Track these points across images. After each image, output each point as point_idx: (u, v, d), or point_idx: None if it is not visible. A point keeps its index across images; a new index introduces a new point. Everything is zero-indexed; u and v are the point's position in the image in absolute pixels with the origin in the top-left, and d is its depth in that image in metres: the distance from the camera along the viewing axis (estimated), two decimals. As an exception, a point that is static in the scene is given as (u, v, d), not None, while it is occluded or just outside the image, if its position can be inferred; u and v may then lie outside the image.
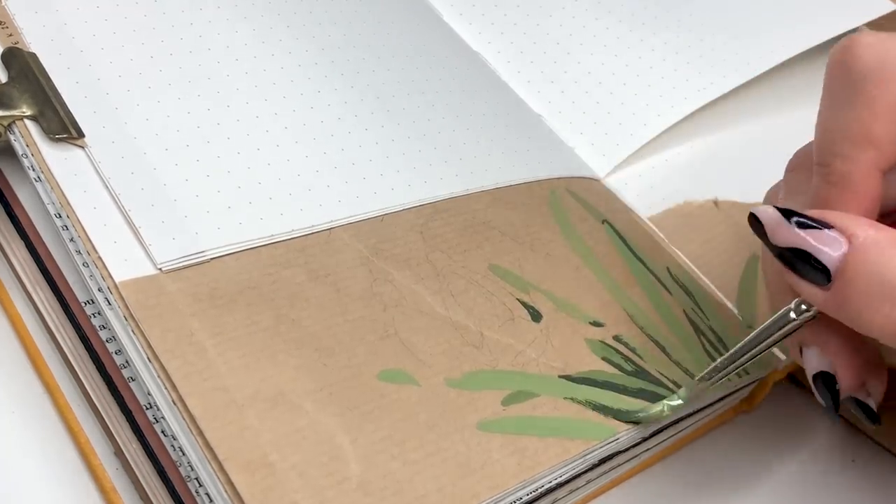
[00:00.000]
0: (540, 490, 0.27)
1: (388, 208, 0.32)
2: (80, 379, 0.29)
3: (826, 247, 0.24)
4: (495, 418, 0.28)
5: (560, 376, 0.29)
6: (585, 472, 0.29)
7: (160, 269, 0.27)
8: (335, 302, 0.28)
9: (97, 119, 0.30)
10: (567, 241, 0.34)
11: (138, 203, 0.28)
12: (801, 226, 0.25)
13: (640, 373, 0.31)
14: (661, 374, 0.31)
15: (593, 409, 0.29)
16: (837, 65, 0.27)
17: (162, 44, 0.33)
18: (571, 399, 0.29)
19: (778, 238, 0.25)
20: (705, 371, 0.29)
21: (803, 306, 0.26)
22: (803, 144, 0.30)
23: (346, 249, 0.30)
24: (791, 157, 0.30)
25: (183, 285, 0.27)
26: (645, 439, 0.31)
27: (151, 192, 0.29)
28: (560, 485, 0.28)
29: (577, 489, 0.30)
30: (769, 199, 0.30)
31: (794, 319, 0.26)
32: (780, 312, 0.27)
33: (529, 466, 0.27)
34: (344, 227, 0.31)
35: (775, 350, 0.34)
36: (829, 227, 0.25)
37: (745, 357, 0.28)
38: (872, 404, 0.28)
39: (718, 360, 0.28)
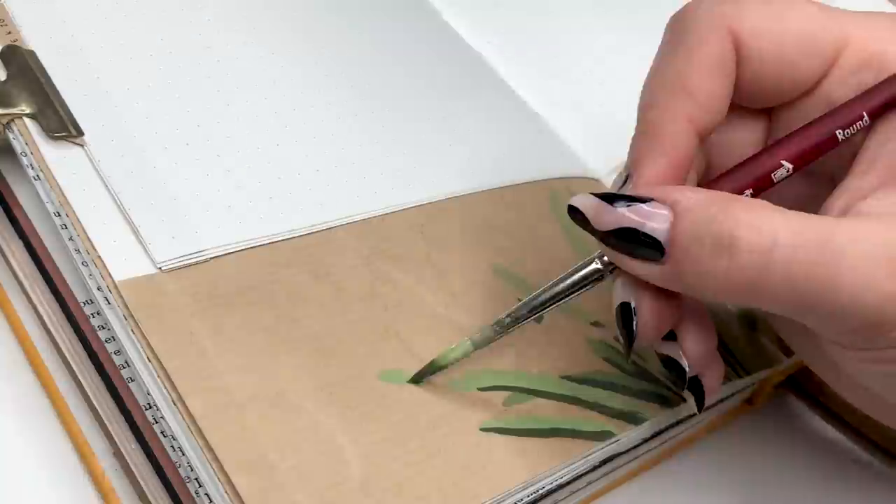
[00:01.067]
0: (541, 491, 0.27)
1: (388, 208, 0.32)
2: (78, 379, 0.29)
3: (652, 220, 0.24)
4: (497, 419, 0.27)
5: (562, 377, 0.29)
6: (587, 473, 0.29)
7: (160, 268, 0.27)
8: (335, 302, 0.28)
9: (96, 117, 0.30)
10: (568, 242, 0.34)
11: (138, 202, 0.28)
12: (622, 204, 0.24)
13: (641, 373, 0.31)
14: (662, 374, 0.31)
15: (595, 410, 0.29)
16: (671, 22, 0.27)
17: (161, 42, 0.33)
18: (573, 399, 0.29)
19: (602, 222, 0.24)
20: (502, 316, 0.27)
21: (605, 258, 0.26)
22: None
23: (347, 249, 0.30)
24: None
25: (183, 285, 0.27)
26: (646, 440, 0.31)
27: (151, 191, 0.29)
28: (561, 486, 0.28)
29: (579, 490, 0.30)
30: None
31: (599, 270, 0.26)
32: (582, 262, 0.26)
33: (531, 467, 0.27)
34: (344, 226, 0.30)
35: (776, 351, 0.34)
36: (650, 200, 0.24)
37: (543, 306, 0.26)
38: (685, 365, 0.26)
39: (515, 307, 0.27)
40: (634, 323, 0.25)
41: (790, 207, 0.23)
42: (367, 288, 0.29)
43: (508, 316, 0.27)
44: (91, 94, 0.30)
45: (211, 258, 0.28)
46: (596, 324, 0.31)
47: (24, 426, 0.29)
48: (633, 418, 0.29)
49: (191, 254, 0.28)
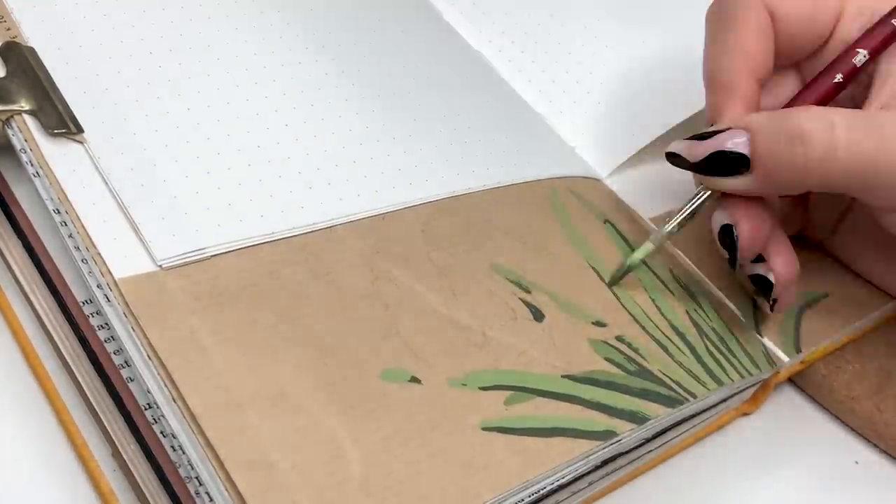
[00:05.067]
0: (542, 491, 0.27)
1: (389, 206, 0.32)
2: (77, 380, 0.28)
3: (734, 138, 0.30)
4: (498, 418, 0.27)
5: (563, 376, 0.29)
6: (588, 473, 0.29)
7: (160, 266, 0.27)
8: (336, 300, 0.28)
9: (96, 114, 0.30)
10: (569, 241, 0.34)
11: (138, 199, 0.28)
12: (706, 138, 0.31)
13: (642, 373, 0.31)
14: (664, 374, 0.31)
15: (596, 410, 0.29)
16: (711, 10, 0.34)
17: (161, 40, 0.33)
18: (574, 399, 0.29)
19: (696, 153, 0.31)
20: (667, 227, 0.33)
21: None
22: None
23: (348, 248, 0.30)
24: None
25: (183, 283, 0.27)
26: (647, 441, 0.30)
27: (151, 189, 0.28)
28: (562, 486, 0.28)
29: (580, 490, 0.30)
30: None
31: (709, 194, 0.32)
32: (697, 192, 0.32)
33: (532, 467, 0.27)
34: (345, 225, 0.30)
35: (778, 352, 0.34)
36: (727, 129, 0.31)
37: (691, 216, 0.33)
38: (771, 277, 0.33)
39: (670, 221, 0.33)
40: (736, 237, 0.31)
41: None
42: (367, 287, 0.29)
43: (669, 225, 0.33)
44: (91, 91, 0.30)
45: (211, 256, 0.28)
46: (597, 323, 0.31)
47: (22, 427, 0.28)
48: (634, 418, 0.29)
49: (191, 252, 0.27)
